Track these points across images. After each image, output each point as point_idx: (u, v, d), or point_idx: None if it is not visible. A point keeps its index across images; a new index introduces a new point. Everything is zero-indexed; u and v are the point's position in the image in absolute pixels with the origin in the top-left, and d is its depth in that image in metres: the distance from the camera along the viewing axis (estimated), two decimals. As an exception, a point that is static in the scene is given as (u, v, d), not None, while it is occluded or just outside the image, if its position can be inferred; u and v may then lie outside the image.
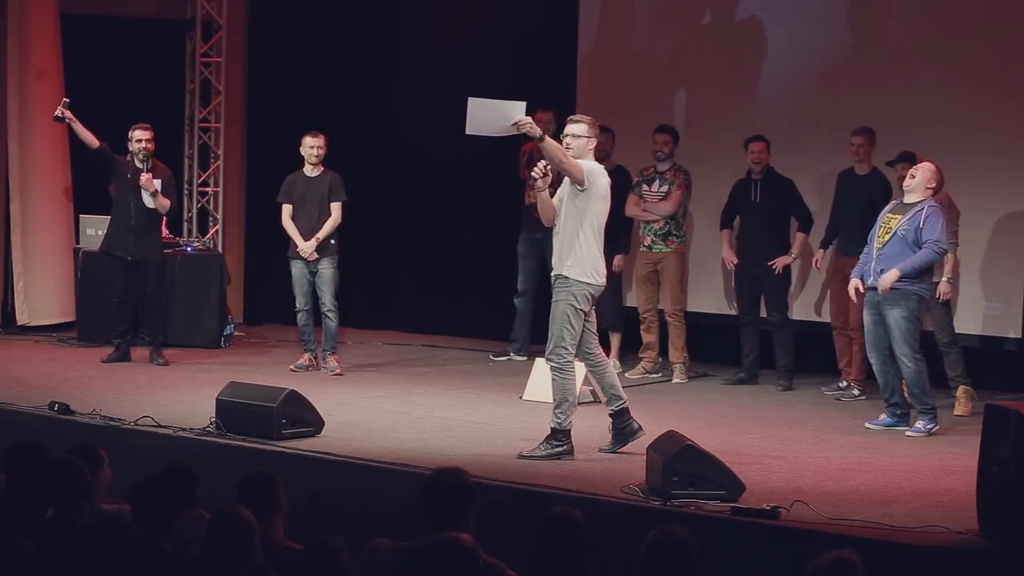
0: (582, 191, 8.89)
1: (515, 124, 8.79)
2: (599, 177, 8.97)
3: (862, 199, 11.07)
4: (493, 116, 8.90)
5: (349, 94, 15.07)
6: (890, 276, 9.75)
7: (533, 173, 9.00)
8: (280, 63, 15.08)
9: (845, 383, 11.42)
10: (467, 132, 8.98)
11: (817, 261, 11.50)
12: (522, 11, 14.19)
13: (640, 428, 9.10)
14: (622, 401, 9.13)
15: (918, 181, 9.91)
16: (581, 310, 8.94)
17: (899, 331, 9.81)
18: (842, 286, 11.23)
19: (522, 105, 8.87)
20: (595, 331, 9.20)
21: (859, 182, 11.22)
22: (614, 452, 9.09)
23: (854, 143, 11.23)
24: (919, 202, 9.87)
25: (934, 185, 9.95)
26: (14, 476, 6.41)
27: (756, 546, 7.27)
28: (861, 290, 10.00)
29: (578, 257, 8.92)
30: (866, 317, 10.04)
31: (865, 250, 10.09)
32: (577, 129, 9.01)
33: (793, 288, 12.14)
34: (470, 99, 8.91)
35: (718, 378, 12.11)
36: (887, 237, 9.86)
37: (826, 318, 11.78)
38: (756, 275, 11.74)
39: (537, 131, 8.79)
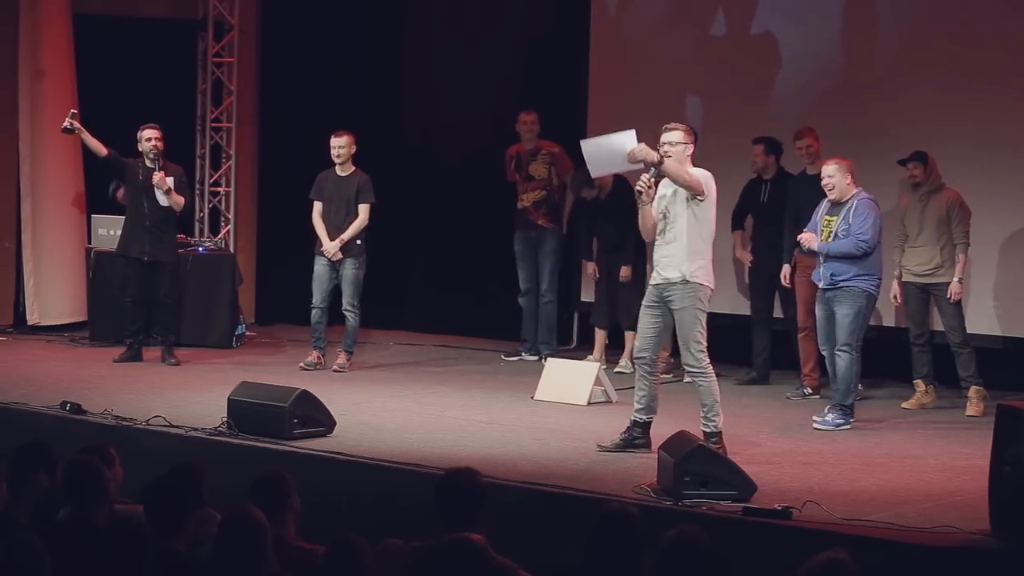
0: (702, 201, 8.87)
1: (629, 154, 8.75)
2: (712, 183, 8.95)
3: (817, 197, 11.05)
4: (608, 152, 8.87)
5: (361, 94, 15.08)
6: (810, 239, 10.07)
7: (638, 187, 8.88)
8: (292, 63, 15.08)
9: (809, 389, 11.38)
10: (592, 176, 9.04)
11: (785, 277, 11.37)
12: (534, 12, 14.19)
13: (649, 447, 9.00)
14: (653, 415, 9.11)
15: (837, 183, 10.03)
16: (705, 311, 8.94)
17: (842, 328, 9.99)
18: (806, 286, 11.24)
19: (632, 134, 8.79)
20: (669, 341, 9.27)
21: (812, 181, 11.04)
22: (613, 450, 9.04)
23: (800, 146, 11.26)
24: (850, 198, 10.03)
25: (850, 178, 10.04)
26: (23, 476, 6.41)
27: (768, 546, 7.27)
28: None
29: (702, 263, 8.90)
30: (819, 314, 10.21)
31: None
32: (673, 136, 8.92)
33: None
34: (582, 142, 8.90)
35: (730, 378, 12.07)
36: (830, 240, 10.03)
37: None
38: (771, 274, 11.72)
39: (654, 156, 8.71)
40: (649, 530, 5.32)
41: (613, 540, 5.27)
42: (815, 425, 9.98)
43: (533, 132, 12.74)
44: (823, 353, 10.27)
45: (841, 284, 9.98)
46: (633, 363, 12.18)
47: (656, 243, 9.03)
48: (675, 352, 12.11)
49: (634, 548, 5.27)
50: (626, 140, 8.80)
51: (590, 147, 8.95)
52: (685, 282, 8.87)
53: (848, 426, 9.95)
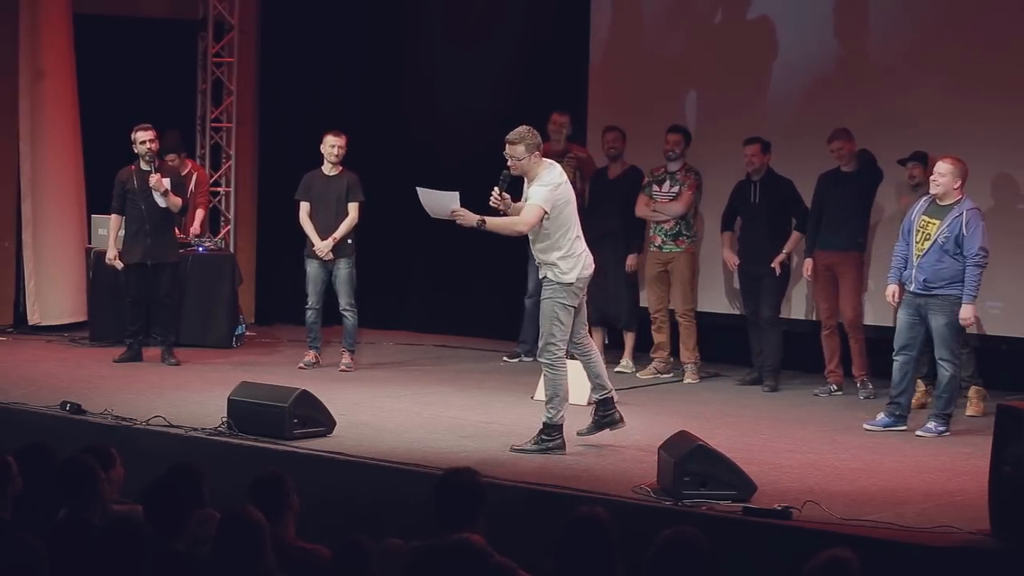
0: (548, 220, 9.05)
1: (452, 213, 9.07)
2: (557, 193, 9.08)
3: (847, 194, 11.22)
4: (438, 203, 9.21)
5: (361, 94, 15.08)
6: (968, 312, 9.71)
7: (492, 203, 9.17)
8: (292, 63, 15.09)
9: (835, 386, 11.40)
10: (433, 217, 9.33)
11: (808, 270, 11.46)
12: (534, 11, 14.20)
13: (621, 419, 9.30)
14: (607, 391, 9.31)
15: (946, 183, 9.75)
16: (570, 306, 9.14)
17: (942, 337, 9.79)
18: (825, 282, 11.28)
19: (456, 195, 9.12)
20: (585, 321, 9.40)
21: (845, 178, 11.24)
22: (588, 435, 9.27)
23: (833, 148, 11.24)
24: (955, 204, 9.78)
25: (960, 182, 9.79)
26: (25, 477, 6.42)
27: (768, 546, 7.27)
28: (897, 297, 10.06)
29: (558, 259, 9.09)
30: (903, 316, 10.01)
31: (897, 250, 10.05)
32: (516, 151, 9.07)
33: (799, 287, 12.15)
34: (418, 189, 9.24)
35: (730, 378, 12.10)
36: (927, 244, 9.79)
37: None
38: (758, 275, 11.73)
39: (472, 220, 9.03)
40: (649, 531, 5.31)
41: (583, 545, 5.24)
42: (918, 433, 9.85)
43: (563, 134, 12.64)
44: (896, 359, 9.98)
45: (935, 291, 9.76)
46: (633, 362, 12.36)
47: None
48: (674, 352, 12.20)
49: (606, 551, 5.23)
50: (451, 200, 9.13)
51: (424, 195, 9.27)
52: (549, 280, 9.14)
53: (948, 432, 9.85)
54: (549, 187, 9.06)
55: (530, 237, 9.19)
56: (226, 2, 14.85)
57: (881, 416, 10.06)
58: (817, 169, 11.63)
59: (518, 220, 9.08)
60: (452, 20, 14.72)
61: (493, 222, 9.12)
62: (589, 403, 10.53)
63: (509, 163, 9.10)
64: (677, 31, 13.18)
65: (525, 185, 9.25)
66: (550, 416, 9.12)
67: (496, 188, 9.16)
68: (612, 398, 9.31)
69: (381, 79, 15.07)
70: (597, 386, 9.32)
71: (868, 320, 11.53)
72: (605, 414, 9.30)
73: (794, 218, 11.72)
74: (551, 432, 9.10)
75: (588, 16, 13.56)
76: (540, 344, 9.24)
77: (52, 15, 13.97)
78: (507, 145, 9.11)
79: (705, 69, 13.01)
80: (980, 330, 11.16)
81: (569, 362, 11.56)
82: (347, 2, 15.05)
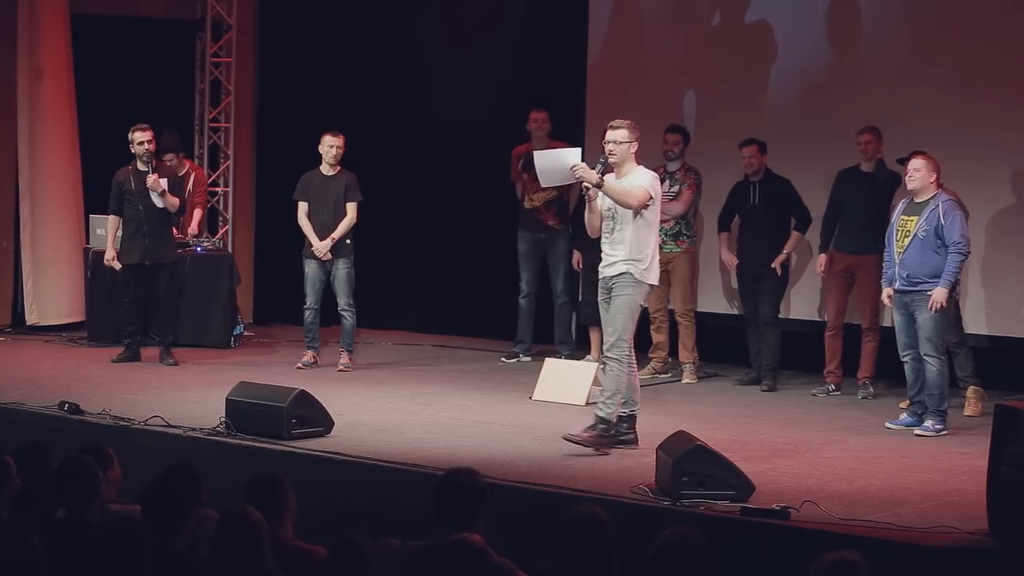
0: (649, 205, 9.03)
1: (573, 168, 9.02)
2: (657, 184, 9.16)
3: (867, 196, 11.15)
4: (557, 164, 9.20)
5: (359, 94, 15.08)
6: (940, 295, 9.71)
7: (585, 183, 9.06)
8: (290, 63, 15.09)
9: (833, 386, 11.40)
10: (542, 184, 9.77)
11: (822, 265, 11.46)
12: (532, 12, 14.20)
13: (636, 442, 9.18)
14: (636, 407, 9.22)
15: (922, 178, 9.87)
16: (642, 306, 9.16)
17: (925, 331, 9.81)
18: (839, 284, 11.28)
19: (577, 151, 9.20)
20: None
21: (865, 179, 11.23)
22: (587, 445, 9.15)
23: (861, 141, 11.23)
24: (931, 198, 9.86)
25: (935, 177, 9.90)
26: (23, 477, 6.42)
27: (766, 546, 7.27)
28: (891, 297, 10.05)
29: (643, 258, 9.05)
30: (896, 317, 10.03)
31: (886, 255, 10.09)
32: (618, 135, 9.11)
33: (798, 287, 12.14)
34: (535, 152, 9.36)
35: (728, 378, 12.10)
36: (907, 241, 9.85)
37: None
38: (758, 275, 11.72)
39: (593, 177, 8.97)
40: (647, 531, 5.30)
41: (581, 544, 5.23)
42: (916, 432, 9.83)
43: (544, 131, 12.62)
44: (903, 359, 10.00)
45: (919, 286, 9.78)
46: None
47: (603, 240, 9.23)
48: (672, 351, 12.20)
49: (604, 551, 5.22)
50: (573, 156, 9.15)
51: (540, 157, 9.34)
52: (630, 276, 9.04)
53: (947, 431, 9.82)
54: (652, 176, 9.12)
55: (620, 235, 9.06)
56: (224, 2, 14.84)
57: (904, 416, 10.08)
58: (815, 169, 11.64)
59: (629, 193, 8.97)
60: (450, 20, 14.72)
61: (611, 183, 9.03)
62: (587, 403, 10.57)
63: (608, 148, 9.07)
64: (675, 31, 13.17)
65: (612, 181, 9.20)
66: (609, 412, 9.05)
67: (594, 172, 9.08)
68: (636, 417, 9.24)
69: (379, 79, 15.06)
70: (629, 400, 9.21)
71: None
72: (625, 432, 9.20)
73: (793, 218, 11.72)
74: (607, 426, 9.04)
75: (586, 16, 13.55)
76: (611, 339, 9.09)
77: (50, 15, 13.96)
78: (609, 130, 9.10)
79: (704, 69, 13.01)
80: (965, 328, 11.17)
81: (573, 362, 11.66)
82: (345, 3, 15.05)
